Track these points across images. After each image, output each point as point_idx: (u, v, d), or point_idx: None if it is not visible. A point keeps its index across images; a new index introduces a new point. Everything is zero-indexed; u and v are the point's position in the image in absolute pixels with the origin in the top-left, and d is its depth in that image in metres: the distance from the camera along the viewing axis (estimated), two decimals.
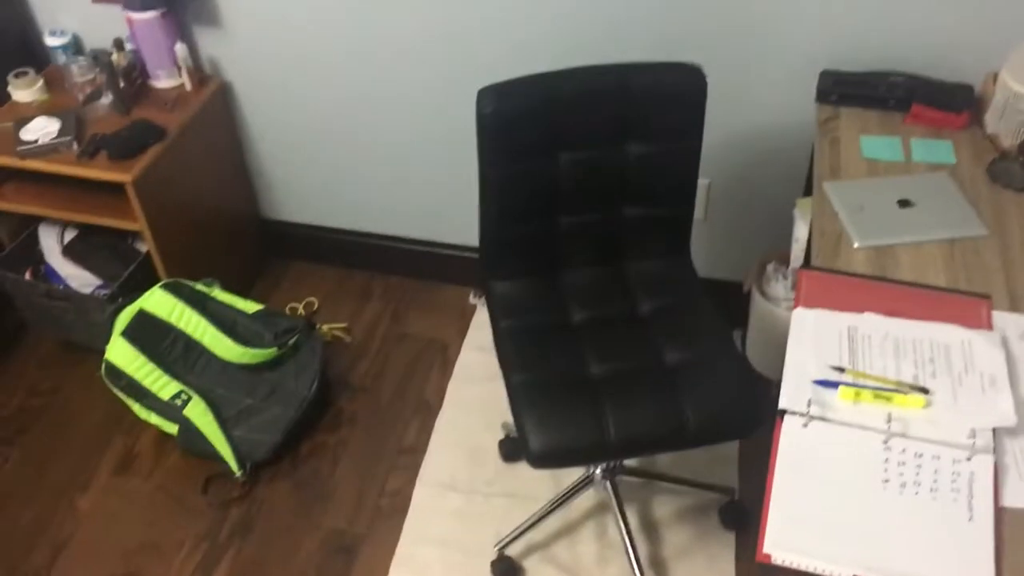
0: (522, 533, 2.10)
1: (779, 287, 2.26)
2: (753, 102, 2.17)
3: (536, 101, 1.78)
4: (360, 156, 2.59)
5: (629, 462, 2.21)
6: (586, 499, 2.21)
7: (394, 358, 2.60)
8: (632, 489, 2.21)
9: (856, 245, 1.69)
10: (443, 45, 2.27)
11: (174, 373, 2.30)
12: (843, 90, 1.99)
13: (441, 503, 2.22)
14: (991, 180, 1.82)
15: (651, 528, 2.15)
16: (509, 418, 1.75)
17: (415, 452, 2.35)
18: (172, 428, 2.31)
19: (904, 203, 1.76)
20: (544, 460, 1.72)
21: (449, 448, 2.34)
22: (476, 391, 2.46)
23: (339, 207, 2.75)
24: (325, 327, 2.64)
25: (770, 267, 2.29)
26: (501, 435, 2.33)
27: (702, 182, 2.32)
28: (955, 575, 1.22)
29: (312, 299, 2.76)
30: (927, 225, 1.72)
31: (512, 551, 2.11)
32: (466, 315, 2.69)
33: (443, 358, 2.58)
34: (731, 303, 2.40)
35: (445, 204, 2.62)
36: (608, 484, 2.08)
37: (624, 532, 2.01)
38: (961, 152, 1.88)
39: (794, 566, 1.25)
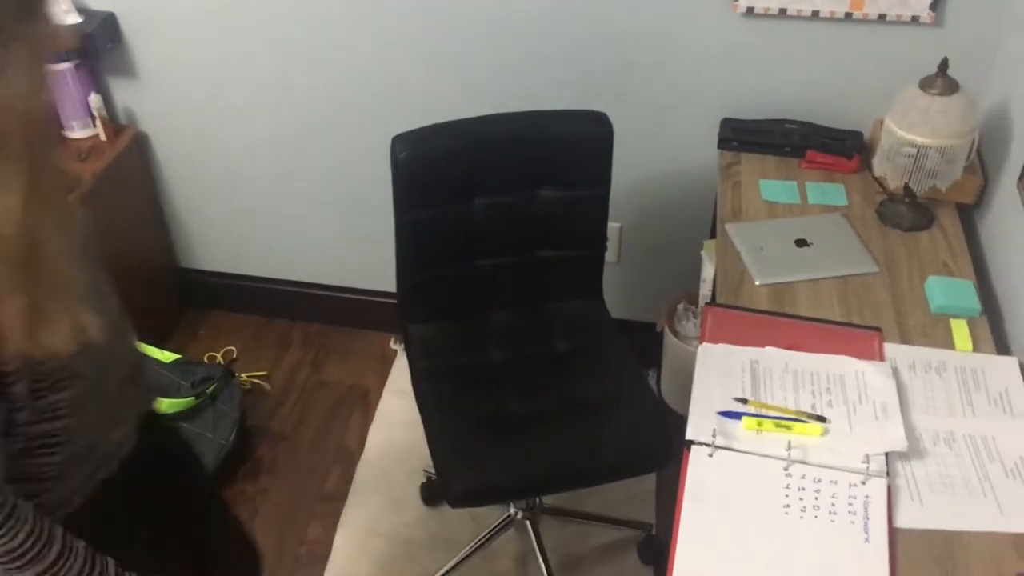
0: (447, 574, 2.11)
1: (689, 326, 2.34)
2: (661, 148, 2.26)
3: (449, 147, 1.84)
4: (277, 205, 2.60)
5: (549, 501, 2.24)
6: (508, 540, 2.23)
7: (314, 405, 2.59)
8: (553, 528, 2.24)
9: (757, 283, 1.77)
10: (357, 94, 2.31)
11: None
12: (743, 137, 2.10)
13: (362, 549, 2.22)
14: (880, 220, 1.92)
15: (572, 566, 2.18)
16: (430, 461, 1.78)
17: (336, 499, 2.34)
18: None
19: (801, 243, 1.85)
20: (463, 499, 1.74)
21: (370, 494, 2.34)
22: (397, 436, 2.47)
23: (257, 256, 2.75)
24: (244, 375, 2.63)
25: (680, 307, 2.37)
26: (423, 479, 2.34)
27: (614, 225, 2.39)
28: None
29: (231, 348, 2.74)
30: (823, 263, 1.81)
31: None
32: (387, 360, 2.71)
33: (364, 404, 2.58)
34: (645, 343, 2.46)
35: (364, 250, 2.65)
36: (529, 524, 2.10)
37: (545, 571, 2.04)
38: (853, 194, 1.99)
39: None
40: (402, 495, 2.33)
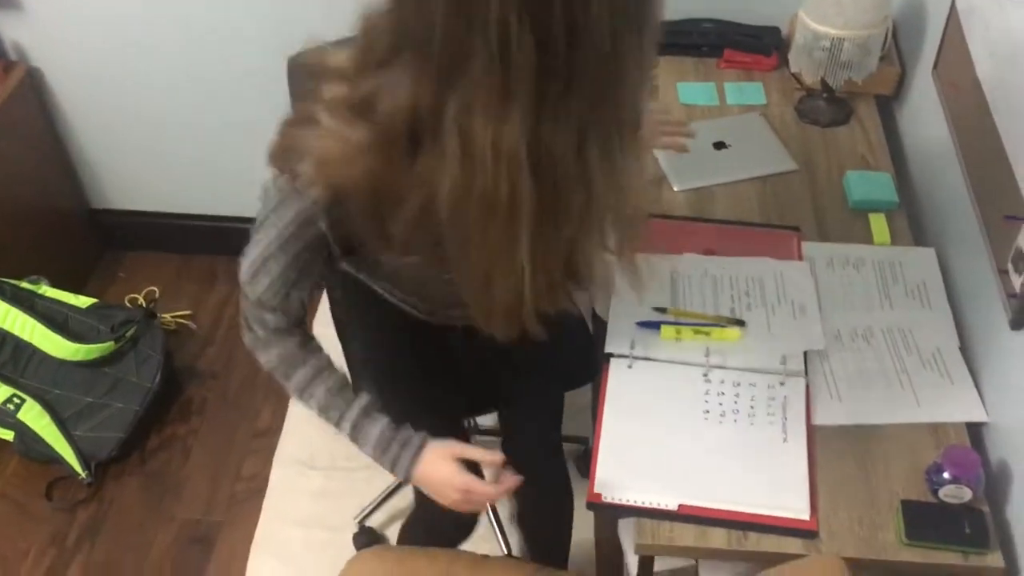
0: (382, 502, 2.10)
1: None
2: None
3: None
4: (189, 138, 2.49)
5: (485, 422, 2.22)
6: None
7: (242, 341, 2.53)
8: (489, 447, 2.22)
9: (676, 189, 1.74)
10: (260, 17, 2.20)
11: (3, 377, 2.18)
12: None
13: (300, 483, 2.19)
14: (799, 117, 1.89)
15: None
16: None
17: (270, 434, 2.30)
18: (7, 435, 2.19)
19: (719, 145, 1.81)
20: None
21: (305, 426, 2.30)
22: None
23: (173, 192, 2.65)
24: (168, 316, 2.55)
25: None
26: None
27: None
28: (772, 494, 1.28)
29: (153, 288, 2.65)
30: (741, 165, 1.78)
31: (374, 521, 2.11)
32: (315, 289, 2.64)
33: None
34: None
35: None
36: None
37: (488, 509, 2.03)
38: (771, 93, 1.95)
39: (622, 503, 1.28)
40: None
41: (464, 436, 1.60)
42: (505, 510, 2.13)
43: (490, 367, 1.63)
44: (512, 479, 1.24)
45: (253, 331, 1.27)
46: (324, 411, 1.27)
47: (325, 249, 1.15)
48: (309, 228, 1.10)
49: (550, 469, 1.74)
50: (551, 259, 1.07)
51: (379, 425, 1.25)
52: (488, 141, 0.93)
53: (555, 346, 1.22)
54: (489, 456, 1.27)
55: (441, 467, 1.24)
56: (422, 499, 1.36)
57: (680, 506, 1.27)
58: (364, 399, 1.26)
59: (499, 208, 0.97)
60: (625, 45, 0.93)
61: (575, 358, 1.64)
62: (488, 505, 1.97)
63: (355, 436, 1.26)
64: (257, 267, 1.17)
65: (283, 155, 1.08)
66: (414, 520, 1.79)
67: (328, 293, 1.80)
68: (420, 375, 1.54)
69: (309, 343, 1.28)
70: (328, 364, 1.28)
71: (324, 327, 1.91)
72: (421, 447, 1.24)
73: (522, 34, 0.87)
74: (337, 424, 1.26)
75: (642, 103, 1.05)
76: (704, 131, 1.83)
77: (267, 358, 1.28)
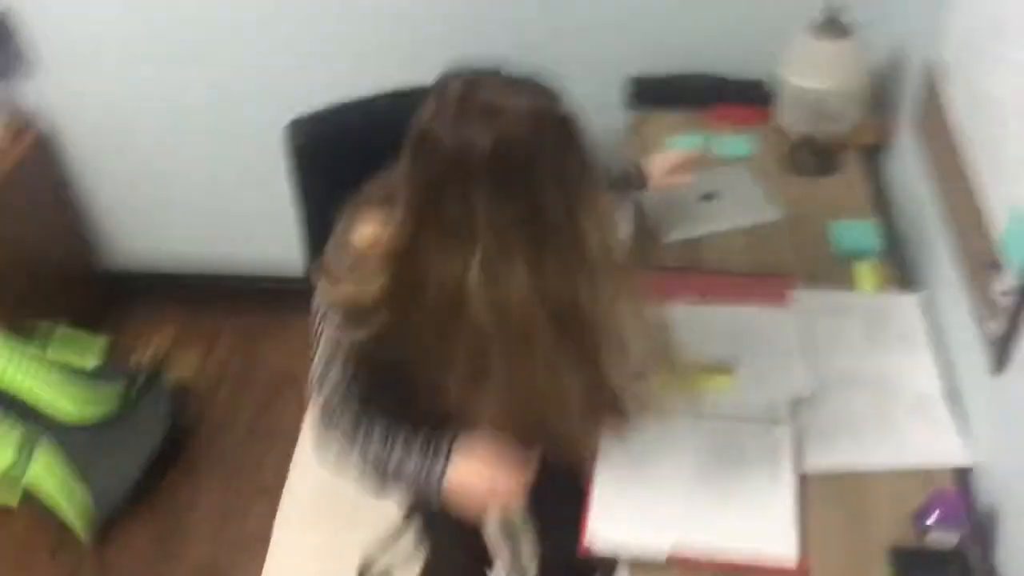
0: (387, 546, 2.11)
1: None
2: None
3: (348, 128, 1.79)
4: (196, 199, 2.56)
5: None
6: None
7: (248, 396, 2.57)
8: None
9: (664, 240, 1.78)
10: (272, 69, 2.28)
11: (10, 439, 2.22)
12: (651, 93, 2.09)
13: (302, 539, 2.20)
14: (787, 168, 1.93)
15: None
16: None
17: (273, 490, 2.32)
18: (15, 491, 2.22)
19: (708, 196, 1.85)
20: None
21: (308, 479, 2.33)
22: None
23: (183, 251, 2.71)
24: (175, 372, 2.59)
25: None
26: None
27: None
28: (762, 540, 1.30)
29: (160, 346, 2.70)
30: (729, 215, 1.81)
31: (379, 566, 2.11)
32: None
33: (298, 390, 2.55)
34: None
35: (289, 237, 2.61)
36: None
37: None
38: (761, 144, 2.00)
39: (613, 554, 1.30)
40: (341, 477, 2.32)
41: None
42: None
43: None
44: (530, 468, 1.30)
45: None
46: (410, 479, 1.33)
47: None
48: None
49: None
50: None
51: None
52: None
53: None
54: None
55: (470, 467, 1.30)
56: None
57: (670, 554, 1.28)
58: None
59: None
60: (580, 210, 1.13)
61: None
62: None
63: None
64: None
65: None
66: None
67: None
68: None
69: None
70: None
71: None
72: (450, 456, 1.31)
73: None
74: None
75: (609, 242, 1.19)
76: (693, 184, 1.87)
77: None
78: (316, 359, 1.32)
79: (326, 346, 1.30)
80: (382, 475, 1.33)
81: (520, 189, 1.09)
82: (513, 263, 1.11)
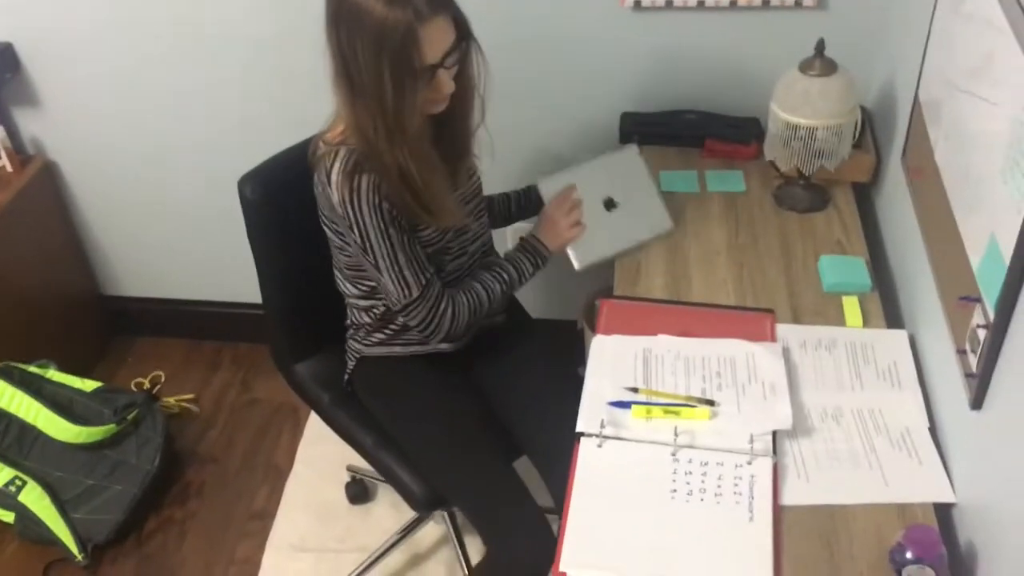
0: (364, 572, 2.11)
1: None
2: (563, 147, 2.25)
3: (290, 178, 1.71)
4: (197, 228, 2.59)
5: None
6: (431, 533, 2.22)
7: (244, 425, 2.58)
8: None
9: (577, 267, 1.82)
10: (271, 95, 2.31)
11: (7, 459, 2.23)
12: (643, 130, 2.11)
13: (291, 566, 2.20)
14: (777, 204, 1.94)
15: None
16: (356, 462, 1.85)
17: (264, 517, 2.32)
18: (7, 516, 2.23)
19: (609, 205, 1.85)
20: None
21: (299, 509, 2.33)
22: (328, 449, 2.42)
23: (182, 279, 2.74)
24: (172, 399, 2.61)
25: (597, 302, 2.37)
26: (347, 479, 2.33)
27: (524, 225, 2.39)
28: (738, 573, 1.28)
29: (159, 373, 2.72)
30: (632, 228, 1.85)
31: None
32: None
33: (293, 420, 2.57)
34: (569, 340, 2.47)
35: None
36: (446, 516, 2.10)
37: (463, 562, 2.04)
38: (751, 180, 2.01)
39: None
40: (331, 506, 2.32)
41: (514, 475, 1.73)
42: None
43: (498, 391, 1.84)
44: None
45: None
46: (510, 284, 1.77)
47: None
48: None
49: None
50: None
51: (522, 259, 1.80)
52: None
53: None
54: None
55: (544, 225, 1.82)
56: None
57: None
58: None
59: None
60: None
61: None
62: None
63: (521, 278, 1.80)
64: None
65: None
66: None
67: (331, 410, 1.92)
68: (448, 429, 1.77)
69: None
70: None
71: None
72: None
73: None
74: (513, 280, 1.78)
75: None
76: (590, 184, 1.86)
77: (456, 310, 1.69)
78: (378, 261, 1.59)
79: (376, 240, 1.57)
80: (503, 295, 1.75)
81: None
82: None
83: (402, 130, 1.49)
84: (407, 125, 1.48)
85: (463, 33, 1.51)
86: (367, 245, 1.58)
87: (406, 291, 1.62)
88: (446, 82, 1.50)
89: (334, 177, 1.54)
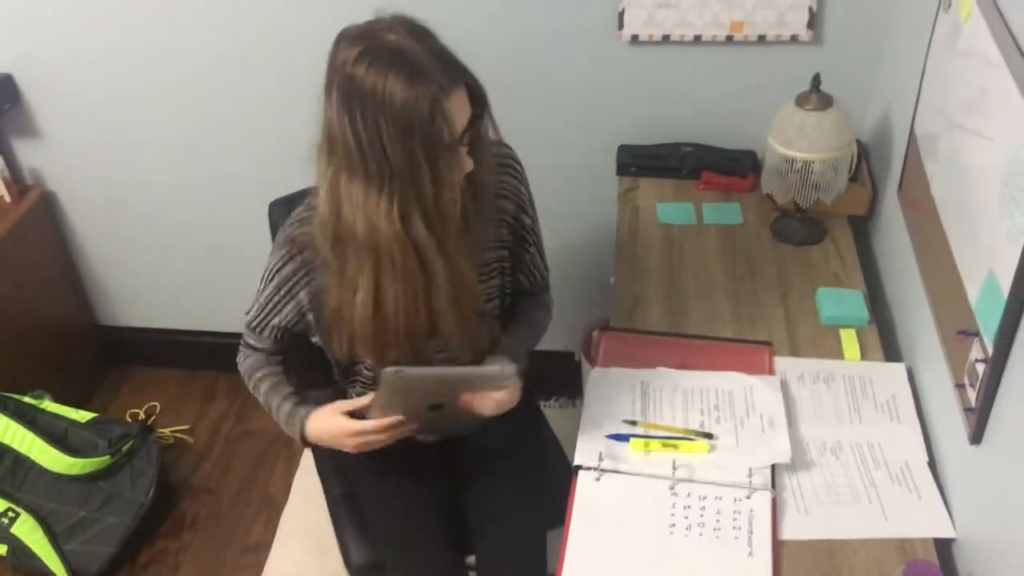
0: None
1: None
2: (561, 179, 2.26)
3: None
4: (194, 259, 2.59)
5: None
6: None
7: (239, 456, 2.56)
8: None
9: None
10: (274, 127, 2.32)
11: (0, 491, 2.22)
12: (640, 162, 2.12)
13: None
14: (774, 237, 1.95)
15: None
16: None
17: (260, 549, 2.30)
18: (0, 549, 2.21)
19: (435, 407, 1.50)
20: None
21: (295, 540, 2.30)
22: None
23: (178, 309, 2.73)
24: (167, 431, 2.59)
25: (595, 334, 2.37)
26: None
27: None
28: None
29: (154, 404, 2.71)
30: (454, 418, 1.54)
31: None
32: None
33: (289, 451, 2.55)
34: (566, 372, 2.46)
35: None
36: None
37: None
38: (748, 213, 2.02)
39: None
40: (327, 539, 2.28)
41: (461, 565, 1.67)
42: None
43: (464, 481, 1.67)
44: (394, 417, 1.43)
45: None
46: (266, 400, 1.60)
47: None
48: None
49: None
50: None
51: (289, 404, 1.56)
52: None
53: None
54: (366, 399, 1.46)
55: (330, 422, 1.48)
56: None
57: None
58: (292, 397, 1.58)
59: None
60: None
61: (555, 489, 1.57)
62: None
63: (278, 417, 1.58)
64: None
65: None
66: None
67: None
68: (403, 505, 1.67)
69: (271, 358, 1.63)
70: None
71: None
72: (310, 412, 1.52)
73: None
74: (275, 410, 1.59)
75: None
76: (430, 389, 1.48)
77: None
78: (261, 286, 1.55)
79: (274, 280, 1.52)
80: (266, 408, 1.61)
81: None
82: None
83: (443, 220, 1.31)
84: (448, 213, 1.32)
85: (479, 104, 1.34)
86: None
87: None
88: (465, 160, 1.33)
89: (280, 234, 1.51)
